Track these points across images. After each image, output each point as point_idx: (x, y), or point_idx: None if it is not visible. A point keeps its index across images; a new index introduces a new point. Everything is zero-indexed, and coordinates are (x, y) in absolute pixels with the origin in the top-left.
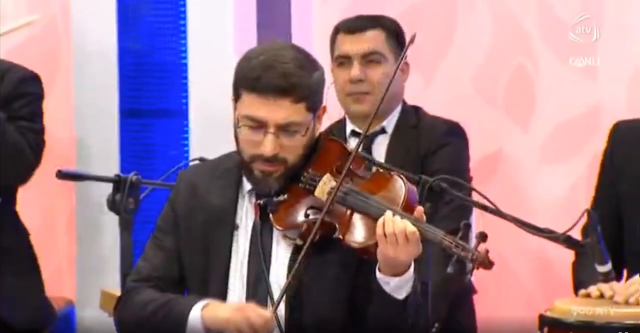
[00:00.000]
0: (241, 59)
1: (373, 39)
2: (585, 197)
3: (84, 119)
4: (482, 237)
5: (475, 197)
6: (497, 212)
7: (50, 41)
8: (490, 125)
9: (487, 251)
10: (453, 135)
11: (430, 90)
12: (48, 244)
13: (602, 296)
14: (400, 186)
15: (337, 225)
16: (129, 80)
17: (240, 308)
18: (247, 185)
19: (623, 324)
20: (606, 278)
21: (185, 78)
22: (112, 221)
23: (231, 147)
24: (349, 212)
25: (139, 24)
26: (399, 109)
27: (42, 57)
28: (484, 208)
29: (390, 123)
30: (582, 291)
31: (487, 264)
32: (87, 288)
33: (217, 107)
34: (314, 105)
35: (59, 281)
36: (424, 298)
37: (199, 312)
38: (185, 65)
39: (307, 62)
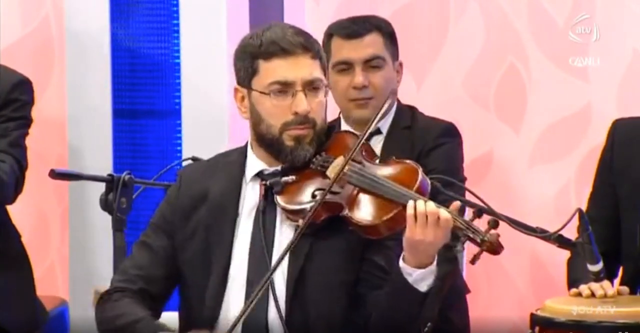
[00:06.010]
0: (244, 41)
1: (373, 44)
2: (576, 198)
3: (77, 119)
4: (494, 223)
5: (468, 197)
6: (490, 212)
7: (44, 41)
8: (482, 127)
9: (498, 235)
10: (447, 136)
11: (422, 91)
12: (41, 244)
13: (593, 295)
14: (414, 173)
15: (344, 204)
16: (122, 80)
17: None
18: (250, 172)
19: (614, 323)
20: (597, 277)
21: (178, 78)
22: (105, 221)
23: (223, 146)
24: (358, 191)
25: (132, 23)
26: (394, 109)
27: (36, 57)
28: (477, 208)
29: (385, 123)
30: (573, 290)
31: (497, 247)
32: (80, 287)
33: (210, 107)
34: (324, 67)
35: (52, 281)
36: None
37: None
38: (178, 65)
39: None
